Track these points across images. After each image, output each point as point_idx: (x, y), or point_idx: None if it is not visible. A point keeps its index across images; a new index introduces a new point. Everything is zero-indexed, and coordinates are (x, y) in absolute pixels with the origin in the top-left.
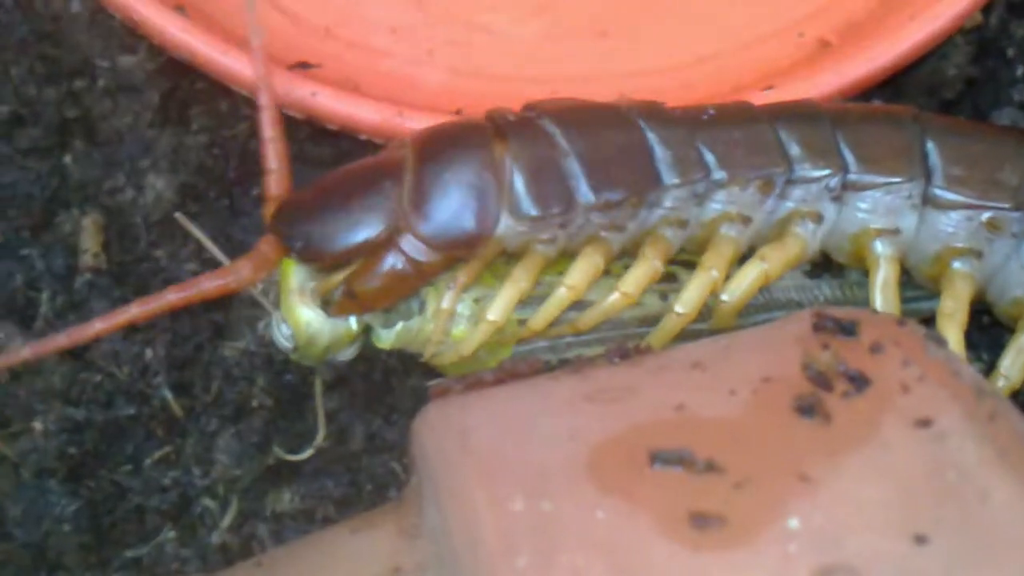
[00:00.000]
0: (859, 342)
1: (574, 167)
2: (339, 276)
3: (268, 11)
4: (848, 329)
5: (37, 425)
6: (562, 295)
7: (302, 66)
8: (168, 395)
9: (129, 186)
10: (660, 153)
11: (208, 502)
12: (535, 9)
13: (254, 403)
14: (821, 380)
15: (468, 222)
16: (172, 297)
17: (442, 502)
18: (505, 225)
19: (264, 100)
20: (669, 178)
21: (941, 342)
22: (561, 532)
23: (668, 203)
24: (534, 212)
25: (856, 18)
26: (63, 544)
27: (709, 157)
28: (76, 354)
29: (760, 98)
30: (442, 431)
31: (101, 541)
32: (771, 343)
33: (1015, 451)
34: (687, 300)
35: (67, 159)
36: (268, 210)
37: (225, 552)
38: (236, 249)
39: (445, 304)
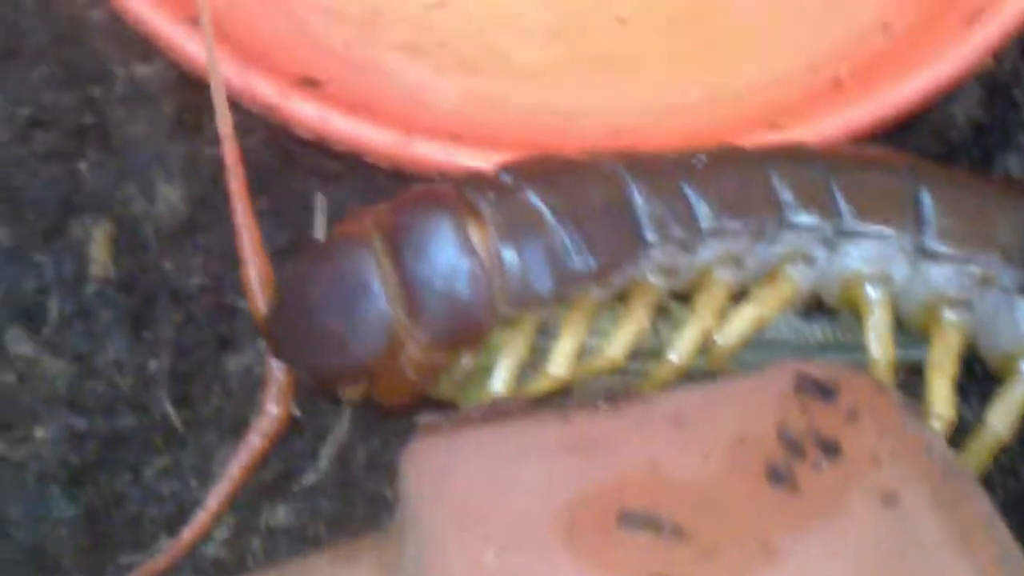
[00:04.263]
0: (836, 407)
1: (562, 239)
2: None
3: (280, 23)
4: (827, 392)
5: (39, 432)
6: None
7: (309, 83)
8: (169, 408)
9: (141, 196)
10: (648, 209)
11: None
12: (549, 38)
13: (254, 418)
14: (794, 447)
15: (469, 320)
16: (236, 474)
17: (419, 542)
18: (504, 312)
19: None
20: (659, 235)
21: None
22: None
23: (658, 257)
24: (528, 295)
25: (870, 60)
26: (60, 547)
27: (699, 208)
28: (81, 360)
29: (766, 138)
30: (424, 470)
31: (98, 546)
32: (751, 399)
33: (977, 534)
34: (681, 349)
35: (82, 165)
36: (254, 308)
37: (219, 565)
38: None
39: (499, 386)
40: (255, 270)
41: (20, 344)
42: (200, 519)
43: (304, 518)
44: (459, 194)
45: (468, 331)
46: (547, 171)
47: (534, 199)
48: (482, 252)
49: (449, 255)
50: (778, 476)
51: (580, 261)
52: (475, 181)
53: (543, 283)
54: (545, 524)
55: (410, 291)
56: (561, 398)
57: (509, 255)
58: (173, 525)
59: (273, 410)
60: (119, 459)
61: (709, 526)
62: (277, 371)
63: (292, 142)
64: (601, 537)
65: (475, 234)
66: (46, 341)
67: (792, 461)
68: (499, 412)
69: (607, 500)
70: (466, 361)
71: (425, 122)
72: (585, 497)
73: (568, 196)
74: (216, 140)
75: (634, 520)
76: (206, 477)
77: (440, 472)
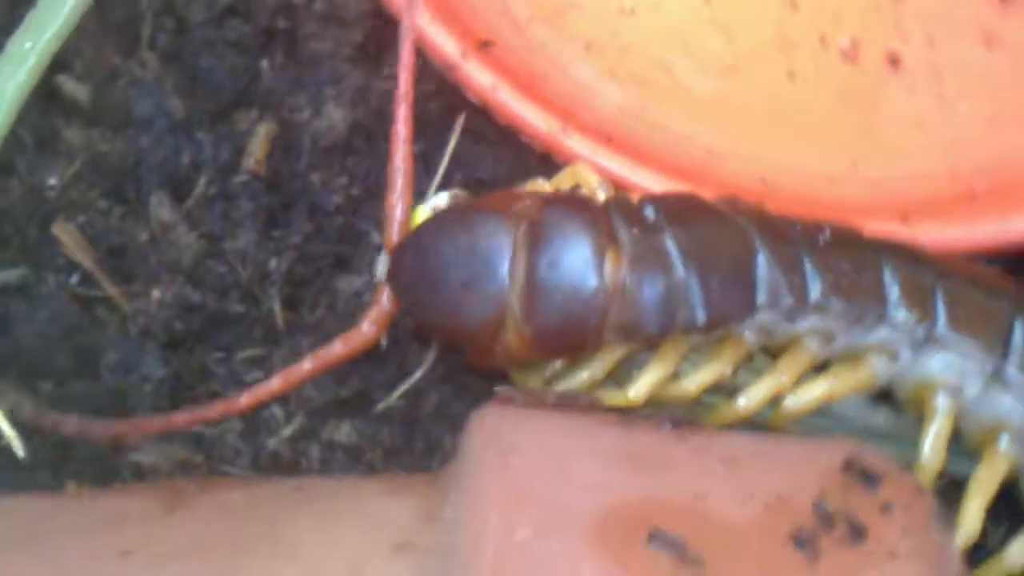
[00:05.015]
0: (875, 496)
1: (684, 289)
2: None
3: None
4: (871, 479)
5: (155, 293)
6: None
7: (487, 47)
8: (276, 306)
9: (309, 107)
10: (767, 275)
11: (277, 410)
12: (722, 73)
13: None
14: (826, 519)
15: (574, 336)
16: (309, 367)
17: (463, 500)
18: (608, 339)
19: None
20: (769, 300)
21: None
22: (547, 572)
23: (762, 320)
24: (635, 331)
25: (1009, 182)
26: (140, 401)
27: (812, 283)
28: (211, 240)
29: (892, 228)
30: (488, 436)
31: (173, 410)
32: (800, 463)
33: None
34: (751, 398)
35: (264, 64)
36: (387, 238)
37: (276, 460)
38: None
39: None
40: (399, 203)
41: (162, 209)
42: (261, 390)
43: (364, 441)
44: (607, 218)
45: (569, 344)
46: (687, 215)
47: (670, 243)
48: (609, 279)
49: (579, 272)
50: (802, 541)
51: (693, 313)
52: (624, 210)
53: (653, 324)
54: (582, 518)
55: (532, 287)
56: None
57: (632, 291)
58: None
59: (366, 329)
60: (217, 338)
61: (727, 566)
62: (385, 299)
63: (459, 100)
64: (628, 546)
65: (609, 261)
66: (186, 213)
67: (819, 532)
68: (570, 404)
69: (645, 514)
70: (556, 365)
71: (583, 118)
72: (626, 505)
73: (700, 246)
74: (391, 77)
75: (663, 540)
76: None
77: (502, 443)
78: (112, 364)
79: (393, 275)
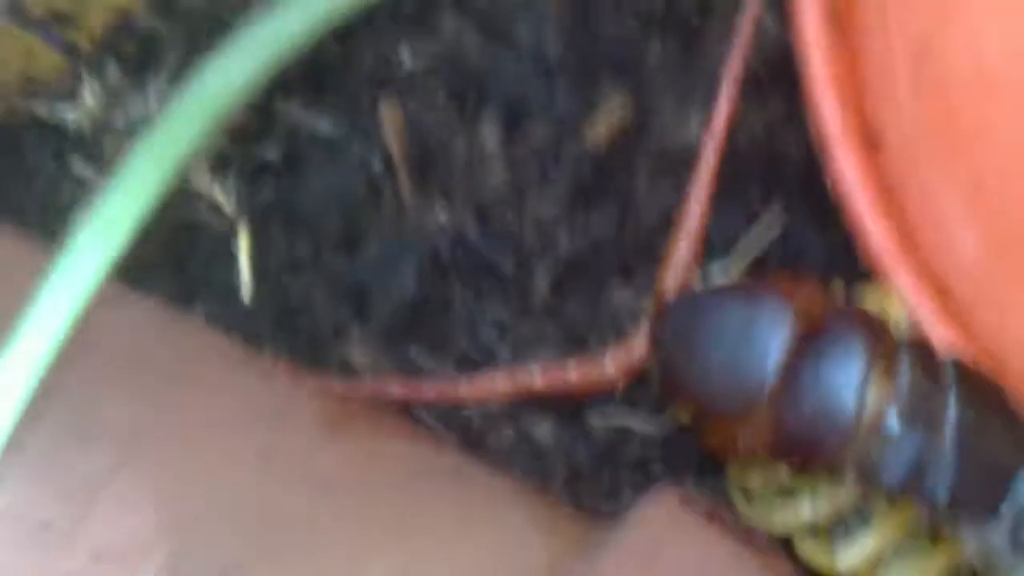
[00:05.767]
0: None
1: (943, 458)
2: None
3: None
4: None
5: (441, 210)
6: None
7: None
8: (544, 284)
9: (678, 112)
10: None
11: None
12: None
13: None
14: None
15: (815, 447)
16: (539, 383)
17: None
18: (845, 469)
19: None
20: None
21: None
22: None
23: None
24: (873, 474)
25: None
26: (378, 306)
27: None
28: (519, 191)
29: None
30: (639, 532)
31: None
32: None
33: None
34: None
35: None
36: (660, 287)
37: (465, 424)
38: None
39: (783, 520)
40: (684, 251)
41: (491, 134)
42: (486, 383)
43: (557, 451)
44: (893, 354)
45: (804, 455)
46: (984, 394)
47: (952, 405)
48: (868, 413)
49: (839, 391)
50: None
51: (938, 492)
52: (917, 354)
53: (894, 478)
54: None
55: (791, 388)
56: None
57: (887, 433)
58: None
59: (609, 368)
60: (473, 284)
61: None
62: (638, 347)
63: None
64: None
65: (875, 384)
66: (510, 152)
67: None
68: (747, 536)
69: None
70: (784, 476)
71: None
72: None
73: (978, 429)
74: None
75: None
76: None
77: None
78: (371, 256)
79: (659, 326)
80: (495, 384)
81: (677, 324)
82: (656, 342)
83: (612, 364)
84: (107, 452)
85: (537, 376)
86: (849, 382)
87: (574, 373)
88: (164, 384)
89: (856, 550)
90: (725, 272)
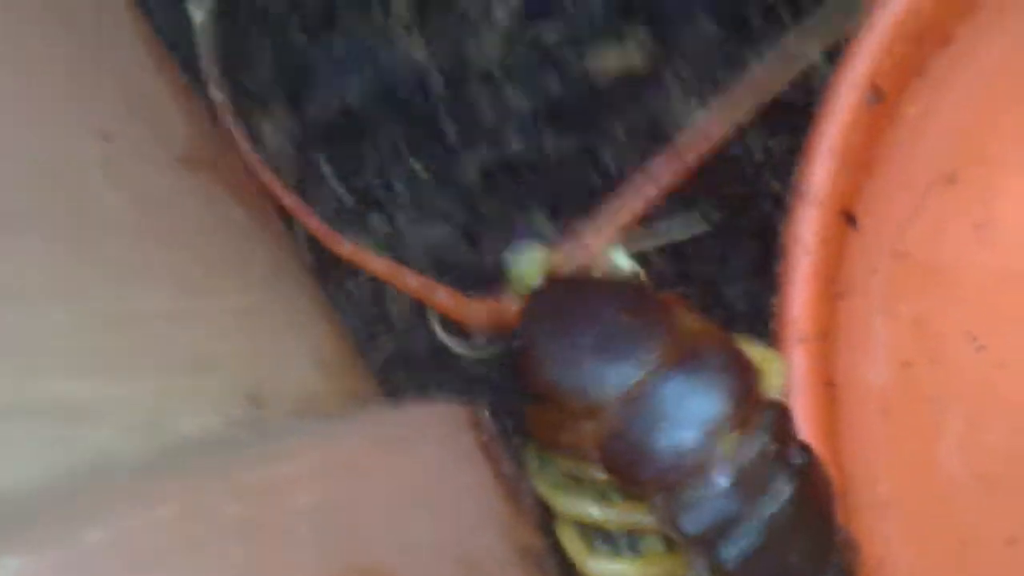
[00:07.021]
0: None
1: (753, 530)
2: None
3: None
4: None
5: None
6: None
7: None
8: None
9: None
10: None
11: None
12: None
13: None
14: None
15: (633, 472)
16: (411, 283)
17: None
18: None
19: None
20: None
21: None
22: None
23: None
24: (675, 528)
25: None
26: None
27: None
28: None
29: None
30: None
31: None
32: None
33: None
34: None
35: None
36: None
37: None
38: None
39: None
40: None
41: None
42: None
43: None
44: (757, 399)
45: (625, 472)
46: (817, 484)
47: (785, 486)
48: (711, 448)
49: (689, 418)
50: None
51: (729, 560)
52: (780, 416)
53: (694, 527)
54: None
55: (640, 402)
56: None
57: (718, 481)
58: None
59: (474, 313)
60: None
61: None
62: (507, 310)
63: None
64: None
65: (726, 433)
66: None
67: None
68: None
69: None
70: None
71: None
72: None
73: (799, 517)
74: None
75: None
76: None
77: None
78: (334, 47)
79: (537, 296)
80: (371, 263)
81: (554, 301)
82: (527, 311)
83: (479, 311)
84: None
85: (412, 279)
86: (699, 419)
87: (444, 298)
88: None
89: (612, 569)
90: (635, 245)
